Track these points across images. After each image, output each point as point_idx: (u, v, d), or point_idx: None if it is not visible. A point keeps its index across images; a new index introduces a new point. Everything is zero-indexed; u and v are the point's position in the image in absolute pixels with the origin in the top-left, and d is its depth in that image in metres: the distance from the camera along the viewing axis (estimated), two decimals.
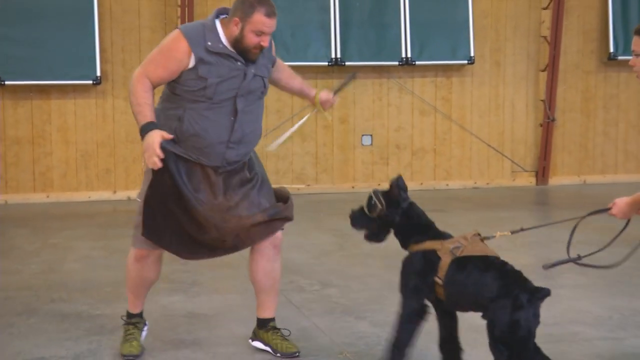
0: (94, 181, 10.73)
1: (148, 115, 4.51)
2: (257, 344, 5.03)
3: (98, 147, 10.72)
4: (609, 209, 4.11)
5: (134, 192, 10.59)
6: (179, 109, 4.62)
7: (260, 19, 4.46)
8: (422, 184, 11.51)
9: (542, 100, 11.81)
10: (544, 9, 11.68)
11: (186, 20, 10.48)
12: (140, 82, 4.55)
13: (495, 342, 3.96)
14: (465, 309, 4.22)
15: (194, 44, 4.51)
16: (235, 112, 4.65)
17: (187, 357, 4.99)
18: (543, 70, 11.75)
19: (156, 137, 4.43)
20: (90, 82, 10.43)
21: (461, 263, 4.07)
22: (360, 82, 11.28)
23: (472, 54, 11.31)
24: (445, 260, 4.09)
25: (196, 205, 4.60)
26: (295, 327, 5.55)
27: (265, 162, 11.00)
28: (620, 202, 4.07)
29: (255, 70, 4.68)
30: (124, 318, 5.06)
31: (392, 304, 6.03)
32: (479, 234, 4.19)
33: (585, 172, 12.13)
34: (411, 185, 11.91)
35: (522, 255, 6.84)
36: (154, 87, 4.62)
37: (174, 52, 4.54)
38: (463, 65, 11.47)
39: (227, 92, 4.60)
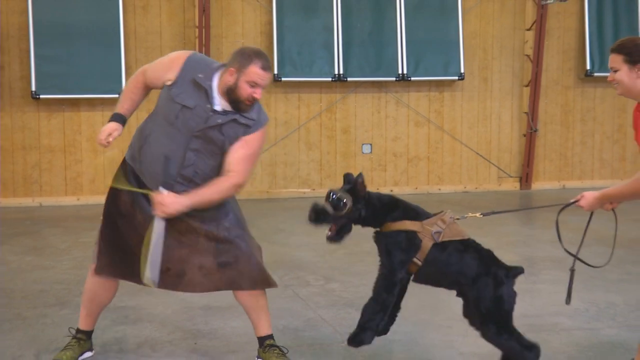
0: None
1: (123, 108, 4.39)
2: None
3: (123, 154, 10.70)
4: (577, 200, 4.11)
5: None
6: (149, 130, 4.36)
7: (255, 71, 4.14)
8: (416, 188, 11.51)
9: (525, 113, 11.81)
10: (527, 30, 11.70)
11: (203, 40, 10.50)
12: (137, 76, 4.39)
13: (482, 318, 3.93)
14: (438, 285, 4.16)
15: (187, 67, 4.23)
16: (188, 149, 4.23)
17: (205, 345, 5.00)
18: (526, 86, 11.76)
19: (111, 126, 4.30)
20: (117, 95, 10.40)
21: (442, 246, 4.00)
22: (361, 96, 11.30)
23: (462, 71, 11.32)
24: (427, 244, 3.99)
25: (146, 225, 4.30)
26: (302, 318, 5.56)
27: (274, 169, 11.10)
28: (589, 195, 4.07)
29: (222, 121, 4.21)
30: (72, 330, 4.74)
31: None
32: (452, 216, 4.11)
33: (564, 178, 12.12)
34: (407, 190, 12.00)
35: (507, 253, 6.83)
36: (148, 87, 4.41)
37: (169, 61, 4.31)
38: (454, 81, 11.47)
39: (187, 125, 4.19)
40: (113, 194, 4.50)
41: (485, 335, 3.98)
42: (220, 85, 4.21)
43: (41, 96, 10.20)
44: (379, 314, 4.09)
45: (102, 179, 10.65)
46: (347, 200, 4.08)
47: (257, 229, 8.89)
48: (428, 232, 3.99)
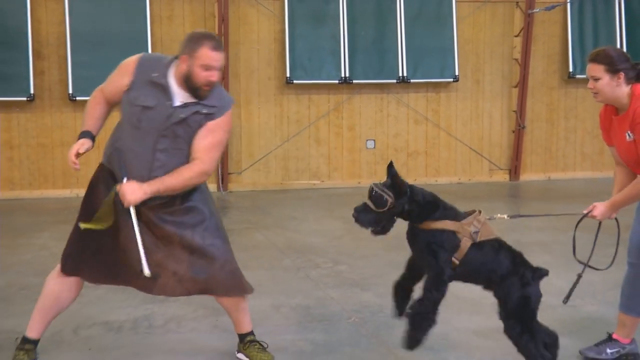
0: None
1: (88, 125, 4.03)
2: (241, 356, 4.40)
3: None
4: (590, 211, 4.03)
5: None
6: (116, 137, 4.04)
7: (206, 53, 3.75)
8: (415, 180, 11.49)
9: (514, 111, 11.77)
10: (515, 36, 11.65)
11: (222, 46, 10.49)
12: (95, 95, 4.07)
13: (508, 317, 3.73)
14: (470, 281, 3.88)
15: (140, 69, 3.89)
16: (157, 150, 3.85)
17: (225, 322, 5.00)
18: (515, 87, 11.72)
19: (78, 142, 3.96)
20: None
21: (479, 246, 3.75)
22: (365, 96, 11.28)
23: (456, 74, 11.29)
24: (466, 243, 3.72)
25: (128, 223, 3.91)
26: (313, 297, 5.57)
27: (287, 163, 11.10)
28: (600, 206, 3.99)
29: (184, 115, 3.82)
30: (18, 339, 4.23)
31: (392, 278, 6.03)
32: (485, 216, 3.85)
33: (549, 170, 12.08)
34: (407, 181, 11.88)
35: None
36: (109, 102, 4.06)
37: (122, 69, 3.97)
38: (449, 82, 11.44)
39: (152, 125, 3.83)
40: (89, 194, 4.15)
41: (508, 332, 3.78)
42: (176, 77, 3.85)
43: (77, 98, 10.22)
44: (430, 313, 3.76)
45: None
46: (387, 196, 3.69)
47: (272, 217, 8.92)
48: (467, 232, 3.73)
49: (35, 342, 4.19)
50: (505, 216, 4.07)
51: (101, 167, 4.17)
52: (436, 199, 3.82)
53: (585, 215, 4.03)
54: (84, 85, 10.19)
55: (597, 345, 4.34)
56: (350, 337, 4.73)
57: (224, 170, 10.69)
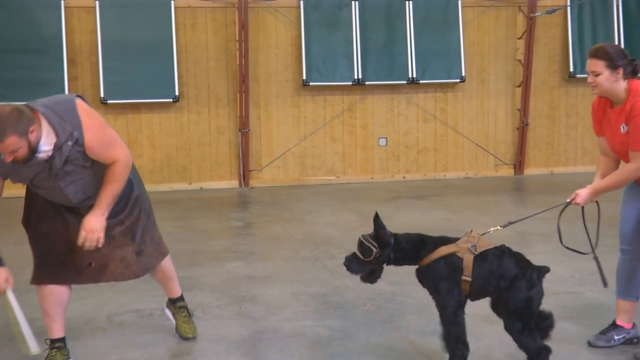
0: (174, 175, 10.81)
1: None
2: (168, 313, 4.57)
3: (177, 149, 10.79)
4: (573, 199, 4.01)
5: (204, 184, 10.69)
6: (35, 198, 3.89)
7: None
8: (425, 175, 11.48)
9: (517, 109, 11.72)
10: (518, 38, 11.60)
11: (242, 52, 10.51)
12: None
13: (510, 316, 3.64)
14: (487, 295, 3.74)
15: None
16: (63, 189, 3.72)
17: (248, 309, 5.04)
18: (518, 86, 11.67)
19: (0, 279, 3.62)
20: (171, 100, 10.51)
21: (482, 257, 3.64)
22: (377, 97, 11.27)
23: (463, 74, 11.26)
24: (468, 259, 3.61)
25: (72, 220, 3.84)
26: (329, 285, 5.58)
27: (304, 160, 11.12)
28: (582, 192, 3.97)
29: (61, 161, 3.60)
30: (47, 342, 4.07)
31: (404, 267, 6.04)
32: (478, 232, 3.77)
33: (552, 164, 12.03)
34: (416, 177, 11.96)
35: (504, 230, 6.78)
36: None
37: None
38: (456, 83, 11.41)
39: (46, 182, 3.69)
40: (28, 202, 3.96)
41: (509, 330, 3.65)
42: None
43: (108, 101, 10.28)
44: (459, 345, 3.68)
45: (159, 170, 10.73)
46: (373, 247, 3.69)
47: (290, 211, 8.94)
48: (465, 249, 3.63)
49: (62, 340, 4.09)
50: (499, 227, 3.96)
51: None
52: (422, 236, 3.77)
53: (569, 204, 4.01)
54: (115, 89, 10.28)
55: (603, 333, 4.29)
56: (365, 323, 4.74)
57: (245, 167, 10.72)
